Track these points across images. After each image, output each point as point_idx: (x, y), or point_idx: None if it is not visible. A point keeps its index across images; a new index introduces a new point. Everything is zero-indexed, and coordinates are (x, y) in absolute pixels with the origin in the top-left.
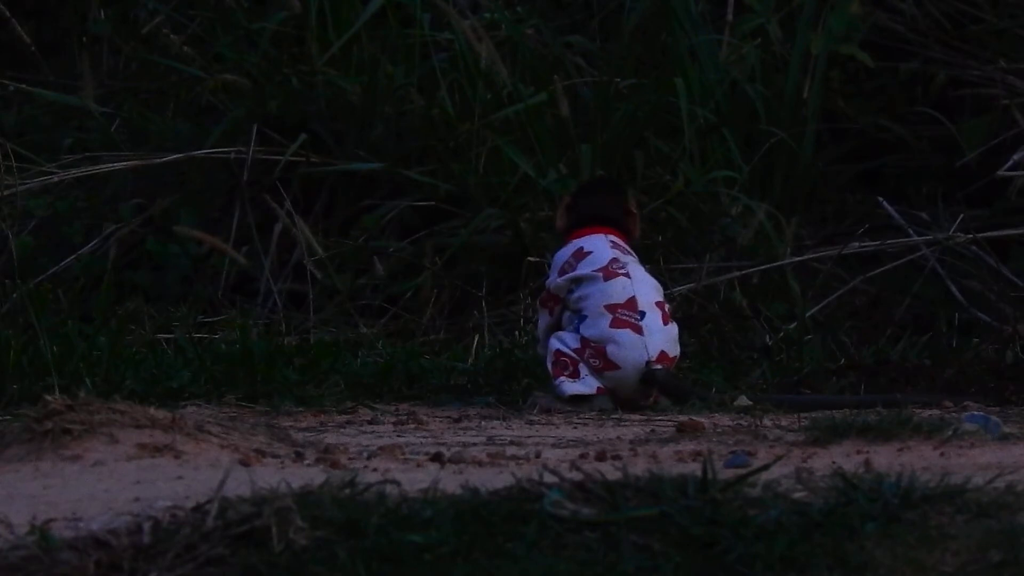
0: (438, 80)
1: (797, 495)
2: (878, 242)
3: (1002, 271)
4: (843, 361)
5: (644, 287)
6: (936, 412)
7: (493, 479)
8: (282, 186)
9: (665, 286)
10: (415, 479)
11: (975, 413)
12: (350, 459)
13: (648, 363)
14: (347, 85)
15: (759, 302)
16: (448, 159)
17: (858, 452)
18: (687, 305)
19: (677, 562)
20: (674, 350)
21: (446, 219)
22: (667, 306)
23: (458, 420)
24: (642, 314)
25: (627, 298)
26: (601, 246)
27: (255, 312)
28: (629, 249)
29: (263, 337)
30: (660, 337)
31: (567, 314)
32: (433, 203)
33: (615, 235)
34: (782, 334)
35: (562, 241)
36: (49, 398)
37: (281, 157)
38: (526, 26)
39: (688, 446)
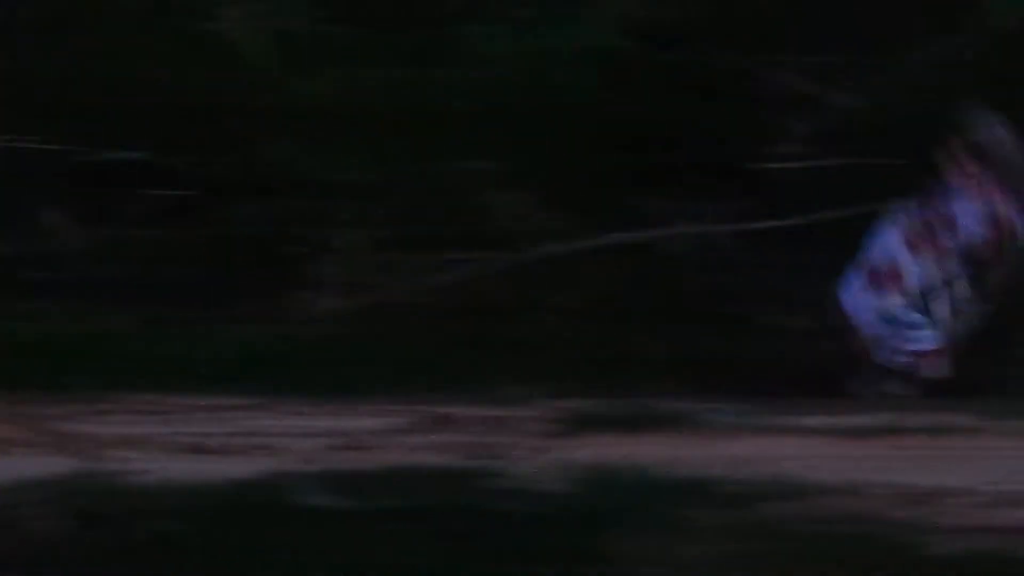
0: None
1: (547, 487)
2: (637, 233)
3: (764, 264)
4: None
5: None
6: (682, 405)
7: (249, 470)
8: (41, 176)
9: None
10: (172, 469)
11: (720, 406)
12: (105, 449)
13: None
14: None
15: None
16: (215, 150)
17: (608, 444)
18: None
19: (429, 552)
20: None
21: (207, 209)
22: (877, 273)
23: (217, 410)
24: None
25: None
26: None
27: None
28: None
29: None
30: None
31: None
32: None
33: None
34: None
35: None
36: None
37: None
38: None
39: (443, 438)
